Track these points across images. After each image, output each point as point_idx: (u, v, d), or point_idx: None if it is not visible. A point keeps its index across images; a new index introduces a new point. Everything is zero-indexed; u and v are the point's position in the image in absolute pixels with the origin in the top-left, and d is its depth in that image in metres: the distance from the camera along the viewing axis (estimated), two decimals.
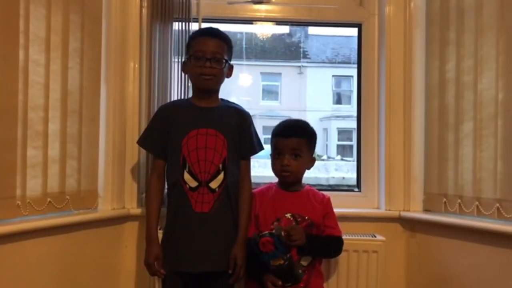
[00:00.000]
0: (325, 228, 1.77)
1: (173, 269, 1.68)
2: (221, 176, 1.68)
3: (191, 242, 1.66)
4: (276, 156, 1.77)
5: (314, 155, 1.83)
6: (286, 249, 1.63)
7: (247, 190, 1.76)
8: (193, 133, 1.68)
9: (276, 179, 1.84)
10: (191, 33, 1.93)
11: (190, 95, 1.85)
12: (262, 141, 1.87)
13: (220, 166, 1.68)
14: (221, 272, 1.67)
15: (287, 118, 1.93)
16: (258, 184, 1.92)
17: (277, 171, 1.77)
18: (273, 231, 1.64)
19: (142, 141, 1.79)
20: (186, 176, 1.67)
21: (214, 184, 1.67)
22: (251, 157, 1.81)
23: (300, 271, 1.67)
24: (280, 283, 1.64)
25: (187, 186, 1.66)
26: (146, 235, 1.70)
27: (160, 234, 1.73)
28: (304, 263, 1.71)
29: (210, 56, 1.67)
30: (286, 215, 1.73)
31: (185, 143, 1.68)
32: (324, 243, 1.77)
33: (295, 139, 1.75)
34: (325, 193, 1.85)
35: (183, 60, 1.83)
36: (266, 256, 1.63)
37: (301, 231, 1.66)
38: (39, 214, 1.64)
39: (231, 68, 1.77)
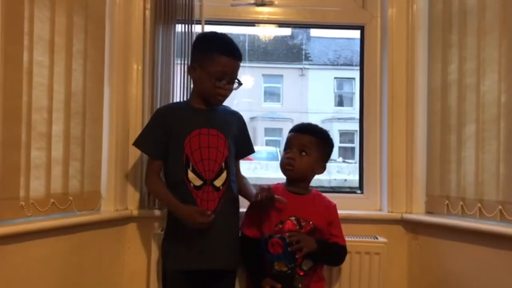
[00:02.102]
0: (330, 237, 1.78)
1: (180, 268, 1.68)
2: (224, 175, 1.70)
3: (198, 241, 1.66)
4: (286, 151, 1.79)
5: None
6: (293, 258, 1.63)
7: (245, 179, 1.85)
8: (195, 133, 1.70)
9: (283, 180, 1.84)
10: (209, 40, 1.79)
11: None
12: (264, 143, 1.90)
13: (223, 165, 1.70)
14: (227, 271, 1.68)
15: (290, 121, 1.95)
16: None
17: (282, 164, 1.79)
18: (287, 235, 1.64)
19: (141, 143, 1.77)
20: (190, 175, 1.67)
21: (218, 182, 1.69)
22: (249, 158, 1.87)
23: (300, 285, 1.66)
24: (280, 286, 1.64)
25: (192, 184, 1.67)
26: (174, 208, 1.66)
27: (160, 235, 1.75)
28: (305, 267, 1.71)
29: (230, 79, 1.70)
30: (290, 218, 1.72)
31: (188, 143, 1.69)
32: (334, 250, 1.78)
33: (306, 136, 1.77)
34: (331, 199, 1.85)
35: (192, 64, 1.77)
36: (271, 257, 1.63)
37: (308, 238, 1.67)
38: (42, 215, 1.65)
39: None
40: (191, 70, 1.75)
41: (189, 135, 1.69)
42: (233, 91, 1.74)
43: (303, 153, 1.75)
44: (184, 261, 1.67)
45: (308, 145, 1.76)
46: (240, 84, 1.74)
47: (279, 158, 1.88)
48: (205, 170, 1.67)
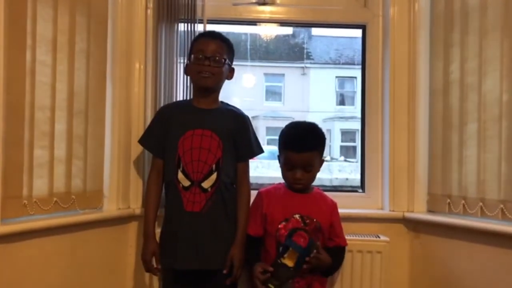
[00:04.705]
0: (332, 237, 1.78)
1: (167, 267, 1.71)
2: (214, 176, 1.69)
3: (182, 241, 1.67)
4: (288, 168, 1.75)
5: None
6: (300, 268, 1.64)
7: (245, 192, 1.76)
8: (189, 134, 1.71)
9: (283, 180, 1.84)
10: (195, 36, 1.94)
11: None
12: (265, 142, 1.88)
13: (214, 166, 1.70)
14: (214, 271, 1.68)
15: (292, 120, 1.92)
16: (261, 184, 1.92)
17: (290, 182, 1.77)
18: (313, 252, 1.64)
19: (142, 140, 1.83)
20: (180, 176, 1.69)
21: (206, 184, 1.69)
22: (252, 159, 1.82)
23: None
24: (271, 269, 1.63)
25: (181, 185, 1.69)
26: (144, 231, 1.75)
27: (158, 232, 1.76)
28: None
29: (210, 54, 1.70)
30: (294, 216, 1.73)
31: (181, 143, 1.70)
32: (339, 257, 1.81)
33: (308, 154, 1.72)
34: (333, 198, 1.85)
35: (186, 62, 1.86)
36: (290, 243, 1.64)
37: (326, 259, 1.69)
38: (45, 213, 1.65)
39: (232, 70, 1.80)
40: (186, 69, 1.83)
41: (183, 136, 1.71)
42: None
43: (308, 172, 1.74)
44: (169, 260, 1.69)
45: (311, 162, 1.73)
46: (228, 64, 1.75)
47: None
48: (193, 171, 1.68)
